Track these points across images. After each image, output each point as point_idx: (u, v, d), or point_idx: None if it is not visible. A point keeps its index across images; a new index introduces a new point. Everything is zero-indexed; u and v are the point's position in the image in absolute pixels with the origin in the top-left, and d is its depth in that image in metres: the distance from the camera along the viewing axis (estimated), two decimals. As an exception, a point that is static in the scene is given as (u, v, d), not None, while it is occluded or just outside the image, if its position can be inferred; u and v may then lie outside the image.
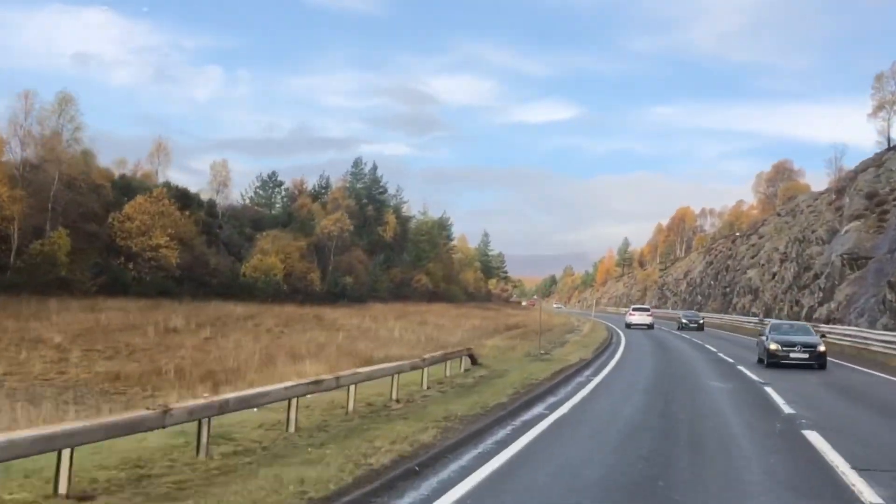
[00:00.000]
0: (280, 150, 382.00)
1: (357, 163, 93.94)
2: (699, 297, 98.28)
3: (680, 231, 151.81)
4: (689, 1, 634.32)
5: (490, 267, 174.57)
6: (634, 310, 59.60)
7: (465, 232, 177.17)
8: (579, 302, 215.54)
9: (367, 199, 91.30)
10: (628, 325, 54.14)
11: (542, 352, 28.12)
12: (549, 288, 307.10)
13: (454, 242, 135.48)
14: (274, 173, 76.96)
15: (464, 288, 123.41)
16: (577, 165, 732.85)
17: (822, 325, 41.40)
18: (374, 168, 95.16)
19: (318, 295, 59.12)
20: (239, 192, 77.99)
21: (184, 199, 55.74)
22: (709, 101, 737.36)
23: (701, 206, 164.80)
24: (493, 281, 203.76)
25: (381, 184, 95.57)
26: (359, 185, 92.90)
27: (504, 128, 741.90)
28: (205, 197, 72.91)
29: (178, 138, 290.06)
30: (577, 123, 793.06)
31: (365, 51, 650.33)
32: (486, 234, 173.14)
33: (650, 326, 54.04)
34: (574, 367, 21.95)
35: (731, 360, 27.44)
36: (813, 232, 63.43)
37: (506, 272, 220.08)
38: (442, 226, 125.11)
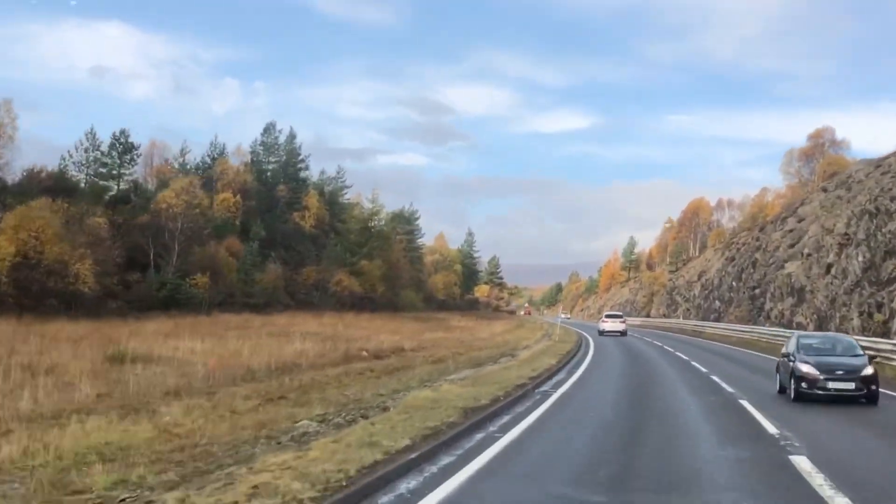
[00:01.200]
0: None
1: (268, 130, 72.00)
2: (717, 303, 76.31)
3: (693, 227, 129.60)
4: (706, 8, 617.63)
5: (475, 271, 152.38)
6: (607, 317, 59.17)
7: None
8: (582, 311, 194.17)
9: (283, 177, 69.82)
10: (601, 333, 53.01)
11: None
12: (555, 296, 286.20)
13: (423, 241, 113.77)
14: (124, 132, 55.29)
15: (429, 294, 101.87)
16: (593, 174, 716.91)
17: None
18: (292, 138, 73.10)
19: (90, 298, 37.49)
20: (62, 154, 55.44)
21: None
22: (726, 108, 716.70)
23: (717, 198, 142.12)
24: (485, 287, 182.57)
25: (302, 158, 73.56)
26: (271, 160, 71.31)
27: (520, 137, 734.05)
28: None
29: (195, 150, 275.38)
30: (592, 132, 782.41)
31: (381, 61, 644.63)
32: (469, 234, 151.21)
33: (623, 333, 52.87)
34: None
35: None
36: (893, 199, 41.68)
37: (501, 278, 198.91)
38: (405, 219, 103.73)
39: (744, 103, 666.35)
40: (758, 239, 71.02)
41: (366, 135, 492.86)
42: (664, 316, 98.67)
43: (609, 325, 54.29)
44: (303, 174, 73.25)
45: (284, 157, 71.21)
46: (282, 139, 71.20)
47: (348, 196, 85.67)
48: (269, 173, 70.11)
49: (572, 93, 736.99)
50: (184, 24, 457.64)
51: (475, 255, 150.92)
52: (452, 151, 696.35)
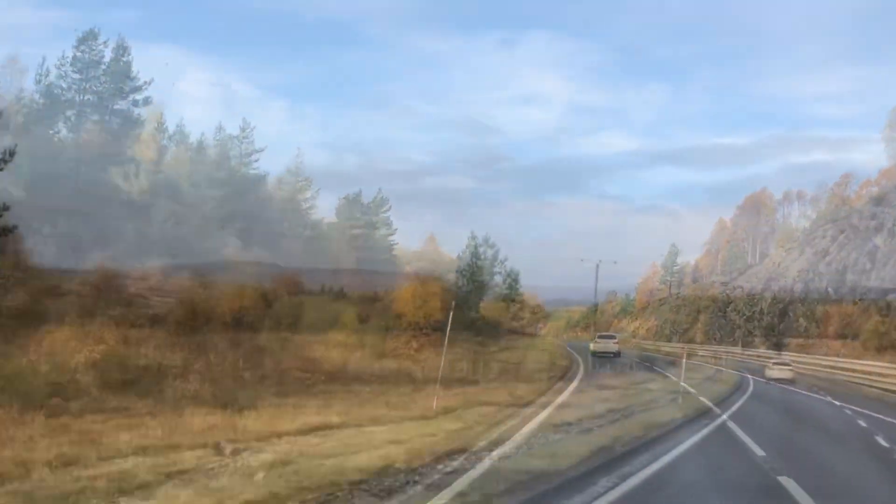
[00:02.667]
0: (345, 183, 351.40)
1: (86, 41, 44.65)
2: (800, 321, 48.69)
3: (753, 227, 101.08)
4: (757, 33, 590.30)
5: (480, 284, 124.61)
6: (599, 337, 60.29)
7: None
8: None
9: (109, 112, 44.13)
10: (593, 354, 52.02)
11: None
12: (591, 318, 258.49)
13: (395, 239, 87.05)
14: None
15: (393, 310, 74.93)
16: (640, 196, 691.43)
17: None
18: (122, 51, 45.96)
19: None
20: None
21: None
22: (776, 132, 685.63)
23: (783, 189, 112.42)
24: (501, 305, 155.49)
25: (138, 86, 46.38)
26: (87, 87, 45.07)
27: (566, 159, 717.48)
28: None
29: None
30: (639, 154, 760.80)
31: (429, 84, 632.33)
32: (472, 237, 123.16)
33: (616, 354, 52.97)
34: None
35: None
36: None
37: (521, 294, 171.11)
38: (362, 208, 77.94)
39: (794, 128, 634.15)
40: (874, 216, 43.27)
41: (413, 157, 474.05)
42: (715, 341, 70.89)
43: (601, 345, 54.57)
44: (136, 109, 46.54)
45: (108, 85, 45.00)
46: (108, 56, 45.22)
47: (259, 166, 60.12)
48: (77, 106, 44.48)
49: (620, 115, 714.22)
50: (233, 46, 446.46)
51: (480, 263, 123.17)
52: (499, 174, 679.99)
